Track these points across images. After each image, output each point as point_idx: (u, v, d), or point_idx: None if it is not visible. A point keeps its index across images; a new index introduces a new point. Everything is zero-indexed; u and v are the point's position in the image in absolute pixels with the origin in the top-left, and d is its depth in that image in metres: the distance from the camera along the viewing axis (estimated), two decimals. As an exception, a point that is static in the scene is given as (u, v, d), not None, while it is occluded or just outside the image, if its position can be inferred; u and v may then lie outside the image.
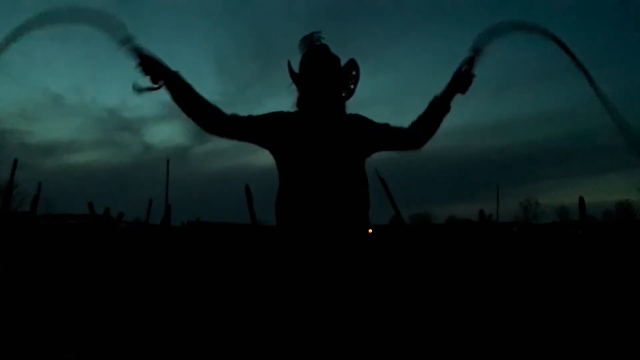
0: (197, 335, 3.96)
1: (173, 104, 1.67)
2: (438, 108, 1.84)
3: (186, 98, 1.66)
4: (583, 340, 3.72)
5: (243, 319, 4.15)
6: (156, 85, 1.62)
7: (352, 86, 1.84)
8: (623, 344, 3.63)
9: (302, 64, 1.81)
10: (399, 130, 1.83)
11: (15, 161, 7.50)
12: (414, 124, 1.83)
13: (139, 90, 1.62)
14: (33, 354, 3.40)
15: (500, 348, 3.57)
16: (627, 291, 5.03)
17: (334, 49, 1.83)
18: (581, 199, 6.56)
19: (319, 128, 1.72)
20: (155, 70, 1.62)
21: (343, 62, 1.83)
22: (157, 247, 7.25)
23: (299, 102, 1.80)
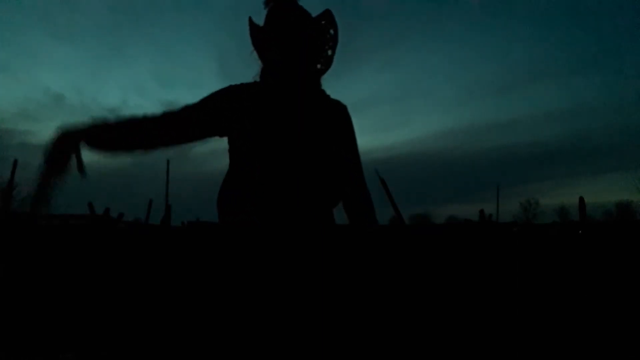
0: (197, 335, 3.95)
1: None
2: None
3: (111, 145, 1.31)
4: (583, 340, 3.72)
5: (243, 319, 4.14)
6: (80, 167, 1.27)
7: (329, 52, 1.43)
8: (623, 344, 3.63)
9: (265, 23, 1.42)
10: (350, 166, 1.42)
11: (15, 161, 7.49)
12: (352, 209, 1.43)
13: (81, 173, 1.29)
14: (32, 354, 3.40)
15: (500, 348, 3.56)
16: (627, 291, 5.03)
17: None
18: (581, 199, 6.55)
19: (283, 105, 1.35)
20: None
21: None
22: (157, 247, 7.24)
23: (262, 73, 1.43)
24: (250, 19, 1.43)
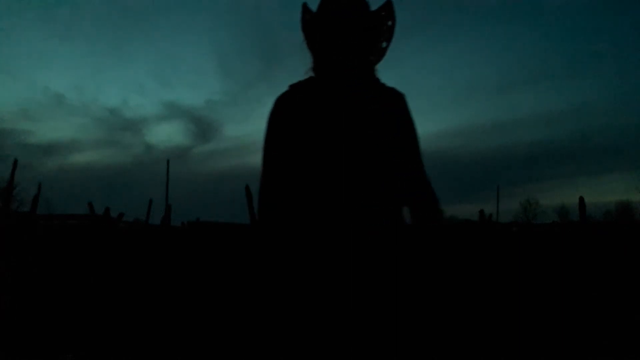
0: (197, 335, 3.95)
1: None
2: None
3: None
4: (583, 340, 3.72)
5: (243, 320, 4.15)
6: None
7: (384, 44, 1.37)
8: (623, 344, 3.63)
9: (317, 13, 1.35)
10: (412, 165, 1.33)
11: (15, 161, 7.49)
12: (414, 208, 1.35)
13: None
14: (32, 355, 3.40)
15: (500, 349, 3.56)
16: (627, 291, 5.03)
17: None
18: (581, 199, 6.55)
19: (338, 104, 1.27)
20: None
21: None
22: (157, 247, 7.25)
23: (315, 67, 1.35)
24: (304, 5, 1.36)
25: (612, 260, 5.99)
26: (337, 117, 1.27)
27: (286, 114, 1.31)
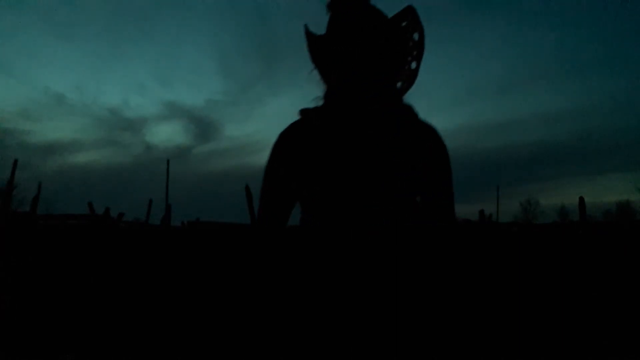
0: (197, 336, 3.95)
1: None
2: None
3: None
4: (583, 340, 3.72)
5: (243, 320, 4.14)
6: None
7: (413, 64, 1.09)
8: (623, 344, 3.62)
9: (327, 32, 1.09)
10: (440, 209, 1.15)
11: (15, 161, 7.49)
12: None
13: None
14: (32, 355, 3.39)
15: (501, 349, 3.56)
16: (627, 292, 5.02)
17: None
18: (581, 199, 6.55)
19: (353, 139, 1.05)
20: None
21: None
22: (157, 247, 7.25)
23: (327, 96, 1.11)
24: (306, 29, 1.12)
25: (612, 260, 5.99)
26: (354, 156, 1.05)
27: (292, 150, 1.10)
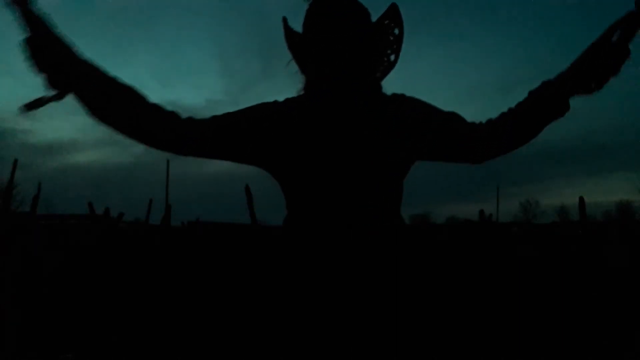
0: (197, 336, 3.95)
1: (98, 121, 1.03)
2: (552, 102, 1.09)
3: (115, 109, 1.02)
4: (583, 340, 3.72)
5: (243, 320, 4.15)
6: (56, 94, 0.98)
7: (392, 56, 1.15)
8: (623, 345, 3.63)
9: (305, 24, 1.10)
10: (471, 127, 1.14)
11: (15, 161, 7.49)
12: (503, 121, 1.14)
13: (28, 107, 0.98)
14: (32, 355, 3.40)
15: (501, 349, 3.56)
16: (627, 292, 5.03)
17: None
18: (581, 199, 6.55)
19: (336, 128, 1.08)
20: (59, 63, 0.97)
21: (375, 17, 1.13)
22: (157, 247, 7.26)
23: (307, 88, 1.13)
24: (285, 21, 1.14)
25: (612, 260, 6.00)
26: (341, 143, 1.07)
27: (279, 119, 1.11)
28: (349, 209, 1.07)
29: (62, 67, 0.97)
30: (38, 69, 0.95)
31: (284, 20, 1.15)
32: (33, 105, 0.97)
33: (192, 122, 1.08)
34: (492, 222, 8.75)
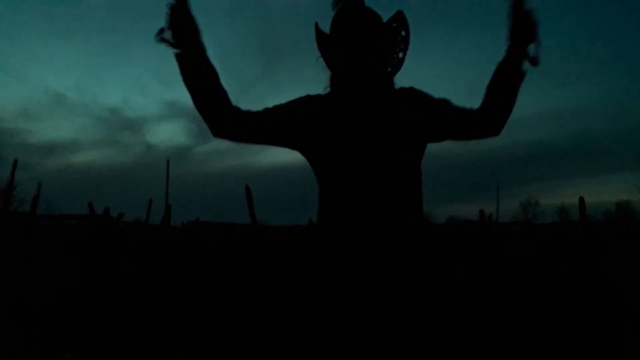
0: (197, 336, 3.95)
1: (186, 86, 1.34)
2: (509, 74, 1.39)
3: (204, 84, 1.31)
4: (583, 340, 3.72)
5: (243, 320, 4.15)
6: (175, 45, 1.28)
7: (400, 54, 1.42)
8: (622, 345, 3.63)
9: (332, 27, 1.38)
10: (467, 111, 1.40)
11: (15, 161, 7.50)
12: (486, 102, 1.39)
13: (161, 37, 1.26)
14: (32, 355, 3.40)
15: (501, 349, 3.57)
16: (627, 292, 5.03)
17: None
18: (581, 199, 6.55)
19: (360, 115, 1.31)
20: (185, 31, 1.26)
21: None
22: (157, 247, 7.25)
23: (332, 82, 1.39)
24: (316, 26, 1.41)
25: (611, 259, 6.00)
26: (365, 128, 1.30)
27: (313, 109, 1.35)
28: (378, 191, 1.27)
29: (188, 37, 1.28)
30: (172, 27, 1.26)
31: (316, 25, 1.41)
32: (165, 39, 1.27)
33: (249, 112, 1.34)
34: (492, 222, 8.75)
